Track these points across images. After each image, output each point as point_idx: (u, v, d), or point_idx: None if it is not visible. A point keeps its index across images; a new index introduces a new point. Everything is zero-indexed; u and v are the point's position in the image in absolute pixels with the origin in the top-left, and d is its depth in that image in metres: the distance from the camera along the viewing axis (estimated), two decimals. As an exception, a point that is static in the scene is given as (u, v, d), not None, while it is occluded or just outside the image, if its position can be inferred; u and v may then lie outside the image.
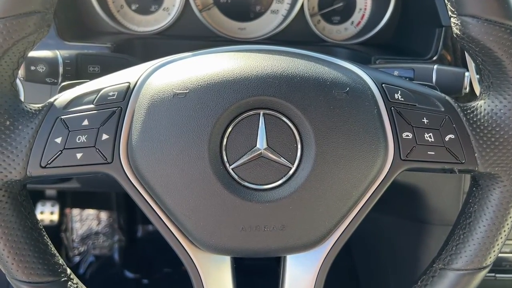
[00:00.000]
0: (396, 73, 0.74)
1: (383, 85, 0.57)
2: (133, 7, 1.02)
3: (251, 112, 0.52)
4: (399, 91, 0.57)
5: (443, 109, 0.57)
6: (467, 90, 0.73)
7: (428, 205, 0.97)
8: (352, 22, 1.08)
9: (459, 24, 0.54)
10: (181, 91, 0.52)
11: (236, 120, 0.52)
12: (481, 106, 0.57)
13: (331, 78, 0.54)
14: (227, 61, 0.55)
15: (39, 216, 1.48)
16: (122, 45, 0.91)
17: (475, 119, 0.57)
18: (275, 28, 1.03)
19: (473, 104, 0.58)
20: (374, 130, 0.54)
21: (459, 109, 0.57)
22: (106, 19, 0.97)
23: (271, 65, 0.54)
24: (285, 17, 1.03)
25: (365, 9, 1.07)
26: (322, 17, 1.07)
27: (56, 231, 1.62)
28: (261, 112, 0.52)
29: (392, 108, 0.56)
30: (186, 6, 0.99)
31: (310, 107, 0.52)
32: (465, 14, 0.53)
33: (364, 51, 0.96)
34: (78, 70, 0.72)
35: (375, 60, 0.88)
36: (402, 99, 0.56)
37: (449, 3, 0.55)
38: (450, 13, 0.56)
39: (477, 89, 0.83)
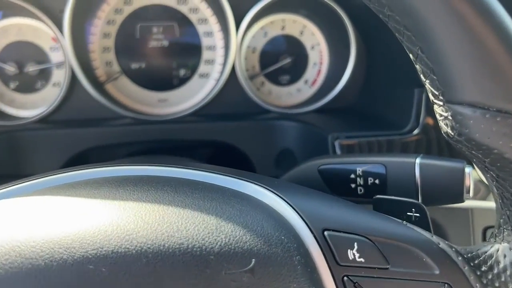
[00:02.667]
0: (359, 171, 0.48)
1: (325, 233, 0.31)
2: (12, 85, 0.76)
3: None
4: (356, 243, 0.31)
5: (437, 272, 0.31)
6: (471, 194, 0.46)
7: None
8: (306, 81, 0.83)
9: (450, 117, 0.29)
10: None
11: None
12: (502, 255, 0.32)
13: (219, 244, 0.28)
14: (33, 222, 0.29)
15: None
16: None
17: (495, 283, 0.31)
18: (205, 97, 0.78)
19: (487, 250, 0.32)
20: None
21: (466, 267, 0.31)
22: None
23: (117, 226, 0.28)
24: (217, 81, 0.78)
25: (321, 63, 0.82)
26: (266, 78, 0.82)
27: None
28: None
29: (345, 278, 0.30)
30: (75, 79, 0.73)
31: None
32: (459, 101, 0.28)
33: (319, 125, 0.70)
34: None
35: (333, 139, 0.62)
36: (362, 259, 0.31)
37: (427, 81, 0.30)
38: (432, 98, 0.30)
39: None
